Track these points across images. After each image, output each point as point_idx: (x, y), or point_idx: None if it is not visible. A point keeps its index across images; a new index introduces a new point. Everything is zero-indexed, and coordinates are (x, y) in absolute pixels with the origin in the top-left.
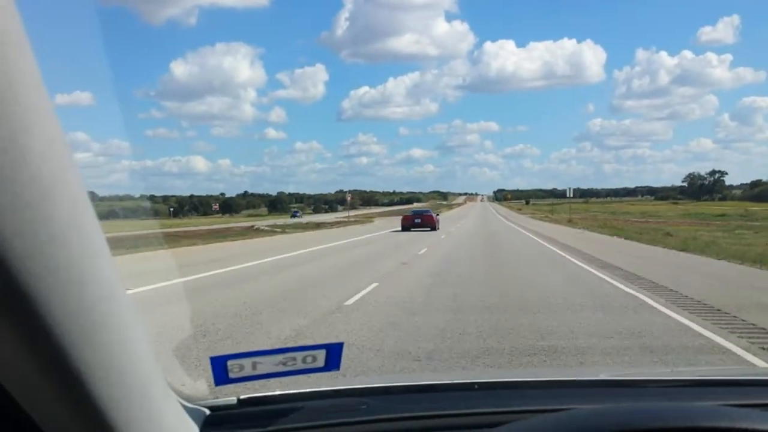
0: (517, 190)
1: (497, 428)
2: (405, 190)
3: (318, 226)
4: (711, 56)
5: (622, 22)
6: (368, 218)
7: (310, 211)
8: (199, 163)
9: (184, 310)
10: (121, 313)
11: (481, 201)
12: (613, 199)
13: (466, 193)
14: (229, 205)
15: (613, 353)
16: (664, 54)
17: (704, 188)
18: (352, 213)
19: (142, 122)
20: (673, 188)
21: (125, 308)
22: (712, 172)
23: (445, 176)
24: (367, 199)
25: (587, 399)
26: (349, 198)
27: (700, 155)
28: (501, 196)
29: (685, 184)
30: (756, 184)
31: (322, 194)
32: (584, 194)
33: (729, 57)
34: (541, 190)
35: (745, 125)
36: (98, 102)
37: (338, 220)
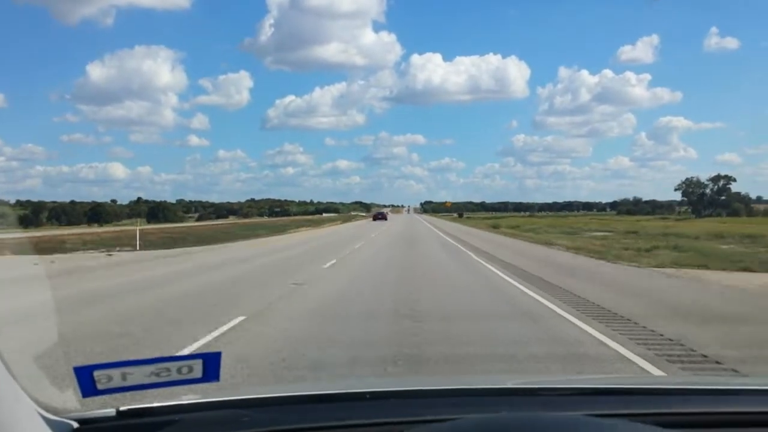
0: (446, 203)
1: None
2: (330, 200)
3: None
4: (630, 75)
5: (546, 40)
6: None
7: (193, 220)
8: (118, 170)
9: None
10: None
11: (407, 212)
12: (548, 213)
13: (391, 205)
14: (98, 214)
15: None
16: (585, 72)
17: (705, 199)
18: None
19: (57, 126)
20: (635, 201)
21: None
22: (716, 178)
23: (372, 188)
24: (277, 207)
25: (479, 408)
26: None
27: (618, 173)
28: (429, 208)
29: (679, 192)
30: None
31: (227, 202)
32: (518, 208)
33: (647, 76)
34: (471, 202)
35: (661, 144)
36: (11, 104)
37: None
